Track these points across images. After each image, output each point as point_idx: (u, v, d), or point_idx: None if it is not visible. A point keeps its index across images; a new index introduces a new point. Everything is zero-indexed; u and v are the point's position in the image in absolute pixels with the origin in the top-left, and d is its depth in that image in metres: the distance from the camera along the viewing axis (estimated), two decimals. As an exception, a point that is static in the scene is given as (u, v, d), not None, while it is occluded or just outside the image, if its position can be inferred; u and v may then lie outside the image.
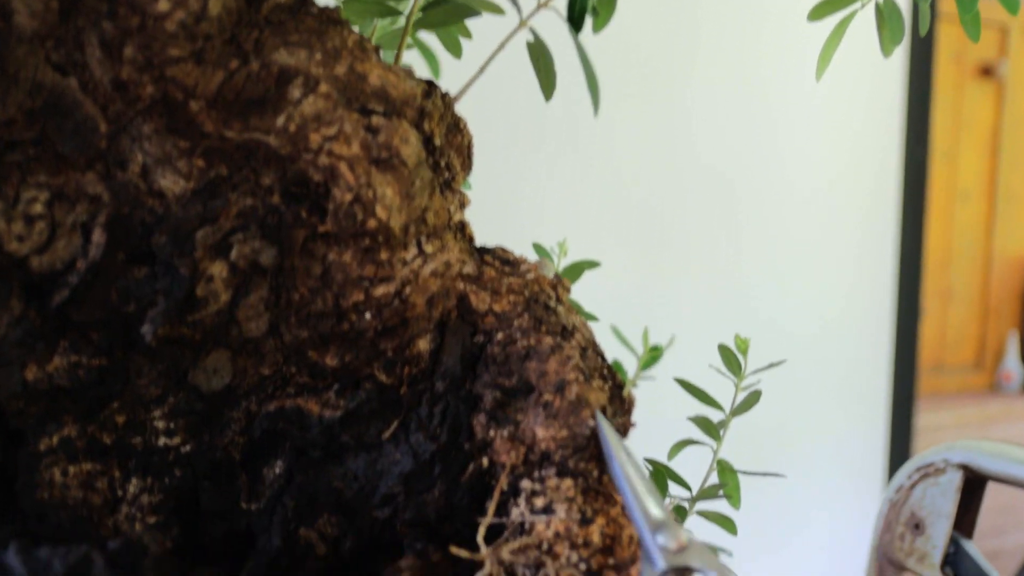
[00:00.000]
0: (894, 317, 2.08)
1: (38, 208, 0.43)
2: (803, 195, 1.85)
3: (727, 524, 0.63)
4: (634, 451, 0.43)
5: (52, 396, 0.45)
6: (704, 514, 0.63)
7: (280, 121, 0.43)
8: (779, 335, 1.81)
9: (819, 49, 0.56)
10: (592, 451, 0.45)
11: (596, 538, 0.45)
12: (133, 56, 0.42)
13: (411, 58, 0.82)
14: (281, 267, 0.45)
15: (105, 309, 0.45)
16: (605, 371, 0.48)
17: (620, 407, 0.47)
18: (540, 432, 0.45)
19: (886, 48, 0.54)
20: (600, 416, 0.44)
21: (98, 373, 0.46)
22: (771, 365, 0.66)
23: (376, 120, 0.44)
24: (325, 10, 0.47)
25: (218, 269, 0.44)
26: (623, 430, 0.47)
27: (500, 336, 0.47)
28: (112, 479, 0.47)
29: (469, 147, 0.50)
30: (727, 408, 0.64)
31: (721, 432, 0.64)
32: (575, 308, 0.60)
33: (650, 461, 0.60)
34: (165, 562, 0.44)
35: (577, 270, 0.66)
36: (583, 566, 0.45)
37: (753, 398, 0.62)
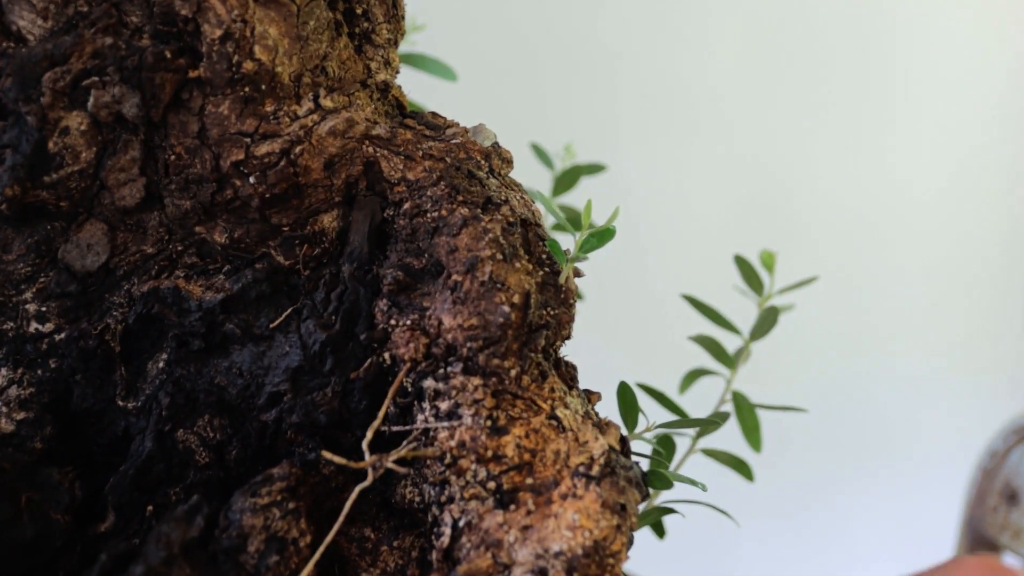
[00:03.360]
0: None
1: None
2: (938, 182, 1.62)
3: (742, 468, 0.53)
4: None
5: (-93, 270, 0.40)
6: (712, 453, 0.53)
7: (138, -59, 0.37)
8: (914, 333, 1.58)
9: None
10: (509, 345, 0.37)
11: (510, 451, 0.36)
12: None
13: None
14: (151, 122, 0.39)
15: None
16: (543, 255, 0.40)
17: (554, 296, 0.39)
18: (447, 320, 0.37)
19: None
20: None
21: (-43, 245, 0.40)
22: (802, 282, 0.55)
23: (252, -60, 0.37)
24: None
25: (75, 121, 0.38)
26: (561, 323, 0.39)
27: (408, 206, 0.39)
28: (-21, 369, 0.41)
29: (395, -7, 0.42)
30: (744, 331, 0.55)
31: (737, 359, 0.54)
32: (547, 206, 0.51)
33: (642, 386, 0.50)
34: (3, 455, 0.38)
35: (573, 175, 0.57)
36: (492, 484, 0.36)
37: (771, 316, 0.53)
